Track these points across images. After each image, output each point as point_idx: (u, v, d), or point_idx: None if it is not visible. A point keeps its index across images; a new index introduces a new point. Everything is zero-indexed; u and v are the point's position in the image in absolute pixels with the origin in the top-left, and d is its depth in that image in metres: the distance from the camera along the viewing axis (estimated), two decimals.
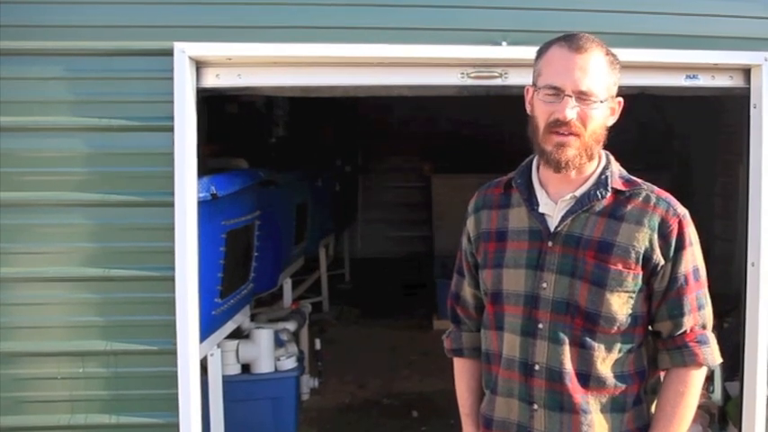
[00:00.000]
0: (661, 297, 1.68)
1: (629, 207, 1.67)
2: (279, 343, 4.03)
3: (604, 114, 1.65)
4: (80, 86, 2.70)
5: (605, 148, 1.73)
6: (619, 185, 1.69)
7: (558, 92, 1.60)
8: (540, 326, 1.68)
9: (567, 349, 1.66)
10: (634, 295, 1.66)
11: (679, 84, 2.84)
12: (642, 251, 1.64)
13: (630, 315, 1.66)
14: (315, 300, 6.60)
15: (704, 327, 1.70)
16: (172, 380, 2.67)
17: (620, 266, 1.64)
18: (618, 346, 1.67)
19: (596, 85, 1.61)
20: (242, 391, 3.74)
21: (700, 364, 1.69)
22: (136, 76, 2.69)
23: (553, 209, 1.70)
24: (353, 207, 8.78)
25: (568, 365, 1.66)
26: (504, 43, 2.73)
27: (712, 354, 1.69)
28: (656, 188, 1.72)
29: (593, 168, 1.71)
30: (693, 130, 6.01)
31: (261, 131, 5.35)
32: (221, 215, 3.17)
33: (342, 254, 8.52)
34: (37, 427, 2.72)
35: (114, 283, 2.71)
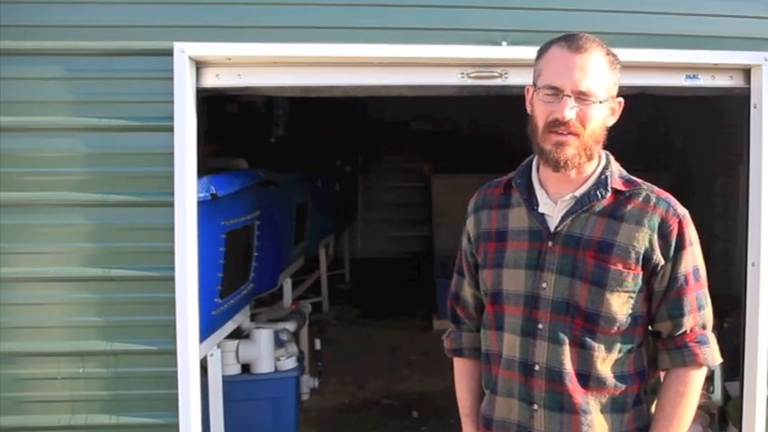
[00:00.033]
0: (661, 297, 1.68)
1: (629, 207, 1.67)
2: (279, 343, 4.03)
3: (604, 115, 1.65)
4: (80, 86, 2.70)
5: (605, 148, 1.73)
6: (619, 185, 1.69)
7: (557, 92, 1.60)
8: (540, 326, 1.68)
9: (566, 349, 1.66)
10: (634, 295, 1.65)
11: (679, 84, 2.84)
12: (642, 251, 1.64)
13: (630, 315, 1.66)
14: (315, 300, 6.60)
15: (704, 327, 1.70)
16: (172, 380, 2.67)
17: (620, 266, 1.64)
18: (618, 346, 1.67)
19: (596, 85, 1.61)
20: (242, 391, 3.74)
21: (700, 365, 1.68)
22: (136, 76, 2.69)
23: (553, 209, 1.70)
24: (353, 207, 8.78)
25: (568, 366, 1.66)
26: (504, 43, 2.73)
27: (712, 354, 1.69)
28: (656, 188, 1.72)
29: (592, 168, 1.71)
30: (693, 130, 6.01)
31: (261, 131, 5.35)
32: (221, 215, 3.16)
33: (342, 254, 8.52)
34: (37, 427, 2.71)
35: (114, 283, 2.71)
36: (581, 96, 1.60)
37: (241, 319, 3.77)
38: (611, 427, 1.68)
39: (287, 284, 4.90)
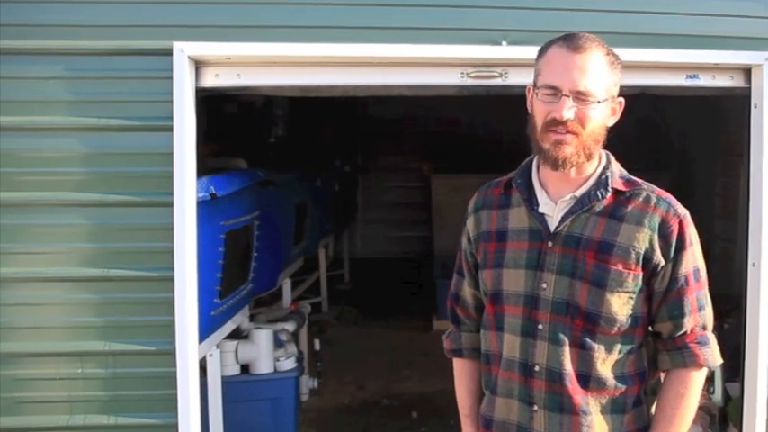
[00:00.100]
0: (661, 297, 1.67)
1: (629, 207, 1.67)
2: (278, 343, 4.02)
3: (603, 115, 1.65)
4: (79, 86, 2.70)
5: (605, 148, 1.72)
6: (619, 186, 1.69)
7: (555, 91, 1.60)
8: (540, 326, 1.67)
9: (566, 350, 1.65)
10: (634, 296, 1.65)
11: (680, 84, 2.84)
12: (642, 252, 1.64)
13: (630, 316, 1.66)
14: (314, 300, 6.59)
15: (704, 327, 1.70)
16: (171, 380, 2.67)
17: (620, 267, 1.63)
18: (618, 346, 1.67)
19: (594, 85, 1.60)
20: (241, 391, 3.74)
21: (700, 365, 1.68)
22: (135, 76, 2.69)
23: (553, 209, 1.70)
24: (353, 207, 8.78)
25: (568, 366, 1.65)
26: (504, 43, 2.72)
27: (713, 354, 1.69)
28: (656, 188, 1.71)
29: (593, 168, 1.70)
30: (694, 130, 6.01)
31: (260, 131, 5.35)
32: (220, 215, 3.16)
33: (341, 254, 8.52)
34: (35, 427, 2.71)
35: (113, 283, 2.70)
36: (579, 96, 1.59)
37: (240, 319, 3.77)
38: (611, 427, 1.68)
39: (286, 285, 4.90)
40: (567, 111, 1.59)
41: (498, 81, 2.76)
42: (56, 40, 2.67)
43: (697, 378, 1.69)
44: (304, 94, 2.97)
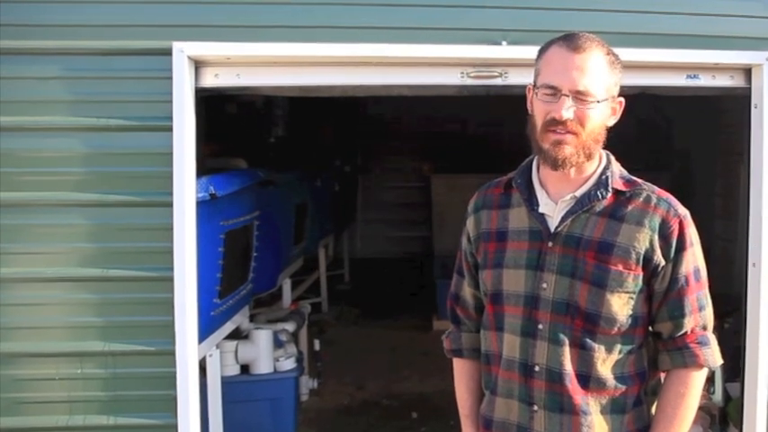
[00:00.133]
0: (662, 298, 1.67)
1: (629, 207, 1.67)
2: (278, 344, 4.02)
3: (603, 114, 1.64)
4: (79, 86, 2.70)
5: (606, 148, 1.72)
6: (619, 186, 1.69)
7: (555, 91, 1.60)
8: (540, 326, 1.67)
9: (567, 350, 1.65)
10: (634, 296, 1.65)
11: (680, 83, 2.84)
12: (643, 252, 1.63)
13: (631, 316, 1.65)
14: (314, 300, 6.59)
15: (705, 328, 1.69)
16: (170, 381, 2.67)
17: (620, 267, 1.63)
18: (618, 347, 1.66)
19: (594, 84, 1.60)
20: (241, 391, 3.74)
21: (700, 366, 1.68)
22: (134, 76, 2.69)
23: (553, 209, 1.70)
24: (353, 207, 8.78)
25: (568, 366, 1.65)
26: (504, 43, 2.72)
27: (713, 355, 1.69)
28: (656, 188, 1.71)
29: (593, 168, 1.70)
30: (694, 130, 6.00)
31: (260, 131, 5.35)
32: (220, 215, 3.16)
33: (341, 254, 8.52)
34: (35, 428, 2.71)
35: (113, 283, 2.70)
36: (579, 96, 1.59)
37: (240, 319, 3.76)
38: (611, 428, 1.67)
39: (286, 285, 4.89)
40: (567, 110, 1.58)
41: (498, 81, 2.76)
42: (55, 39, 2.67)
43: (697, 378, 1.68)
44: (304, 94, 2.96)
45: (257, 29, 2.71)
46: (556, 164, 1.63)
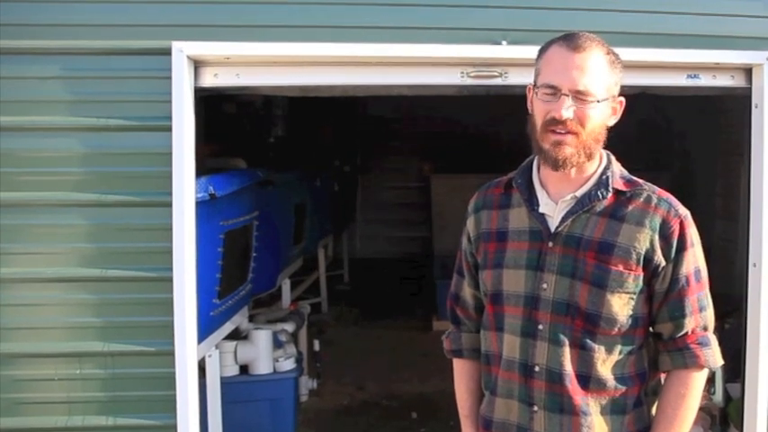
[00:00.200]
0: (662, 298, 1.66)
1: (630, 208, 1.66)
2: (277, 344, 4.02)
3: (603, 114, 1.64)
4: (78, 86, 2.69)
5: (606, 148, 1.71)
6: (620, 186, 1.68)
7: (555, 91, 1.59)
8: (541, 327, 1.67)
9: (567, 351, 1.65)
10: (635, 296, 1.64)
11: (680, 83, 2.84)
12: (643, 252, 1.63)
13: (631, 316, 1.65)
14: (313, 300, 6.59)
15: (705, 328, 1.69)
16: (169, 381, 2.66)
17: (620, 267, 1.63)
18: (618, 347, 1.66)
19: (594, 84, 1.59)
20: (240, 392, 3.73)
21: (701, 366, 1.67)
22: (134, 76, 2.69)
23: (553, 209, 1.69)
24: (352, 207, 8.77)
25: (568, 367, 1.65)
26: (504, 43, 2.72)
27: (713, 356, 1.68)
28: (657, 188, 1.70)
29: (593, 168, 1.70)
30: (694, 130, 6.00)
31: (259, 131, 5.35)
32: (219, 215, 3.16)
33: (341, 254, 8.52)
34: (34, 428, 2.71)
35: (112, 283, 2.70)
36: (579, 95, 1.59)
37: (239, 319, 3.76)
38: (611, 428, 1.67)
39: (285, 285, 4.89)
40: (566, 110, 1.58)
41: (498, 81, 2.76)
42: (55, 39, 2.67)
43: (698, 379, 1.68)
44: (303, 94, 2.96)
45: (257, 28, 2.71)
46: (556, 164, 1.63)
